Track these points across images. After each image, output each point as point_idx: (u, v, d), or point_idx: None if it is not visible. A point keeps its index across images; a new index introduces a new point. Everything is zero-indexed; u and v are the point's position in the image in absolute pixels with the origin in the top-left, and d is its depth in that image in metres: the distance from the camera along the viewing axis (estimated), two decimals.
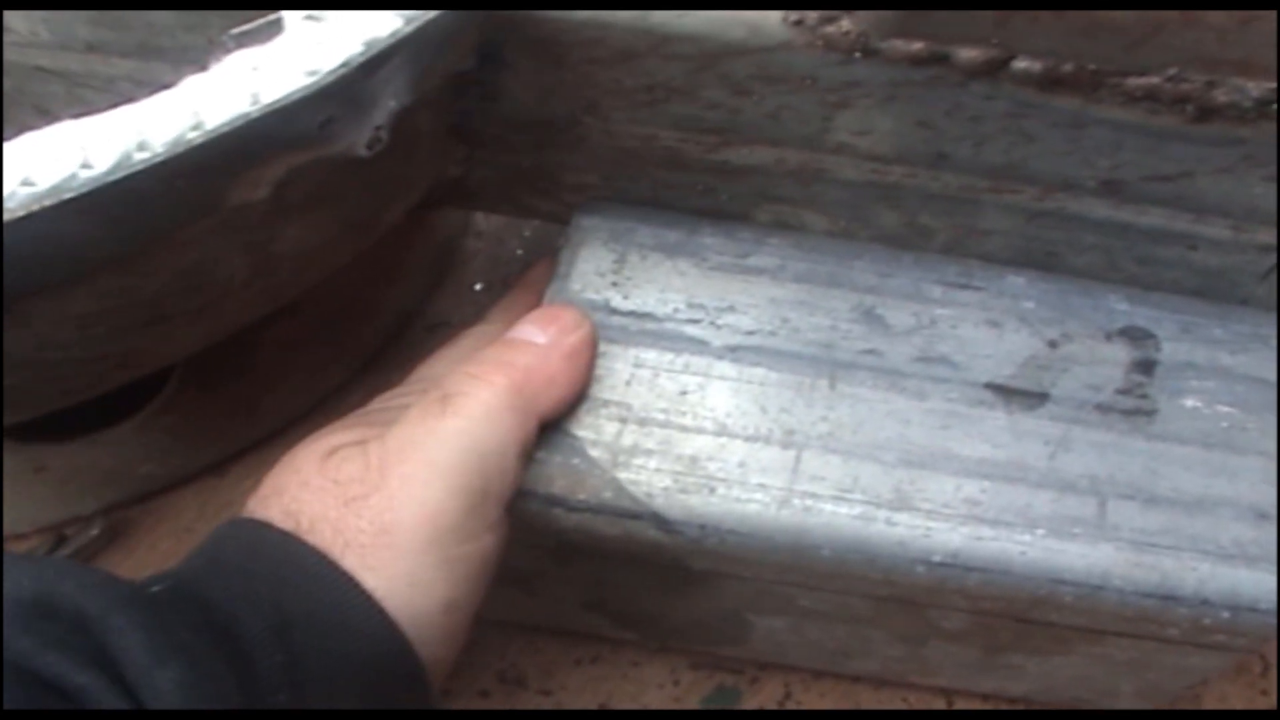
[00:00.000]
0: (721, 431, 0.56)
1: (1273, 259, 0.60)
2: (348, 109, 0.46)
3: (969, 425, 0.57)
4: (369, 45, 0.46)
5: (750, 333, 0.58)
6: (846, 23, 0.51)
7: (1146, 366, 0.59)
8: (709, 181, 0.58)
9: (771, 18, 0.52)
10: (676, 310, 0.59)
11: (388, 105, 0.48)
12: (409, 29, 0.47)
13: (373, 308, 0.81)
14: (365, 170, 0.49)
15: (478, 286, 0.86)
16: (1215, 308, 0.60)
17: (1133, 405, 0.57)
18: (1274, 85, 0.51)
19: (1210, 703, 0.73)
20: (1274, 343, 0.59)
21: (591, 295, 0.59)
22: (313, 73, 0.45)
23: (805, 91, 0.53)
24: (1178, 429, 0.58)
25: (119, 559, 0.74)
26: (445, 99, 0.54)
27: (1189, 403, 0.58)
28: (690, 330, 0.58)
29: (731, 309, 0.59)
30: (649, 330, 0.57)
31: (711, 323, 0.58)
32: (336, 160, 0.46)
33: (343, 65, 0.45)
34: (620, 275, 0.59)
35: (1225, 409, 0.58)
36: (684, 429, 0.56)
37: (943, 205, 0.58)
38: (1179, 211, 0.58)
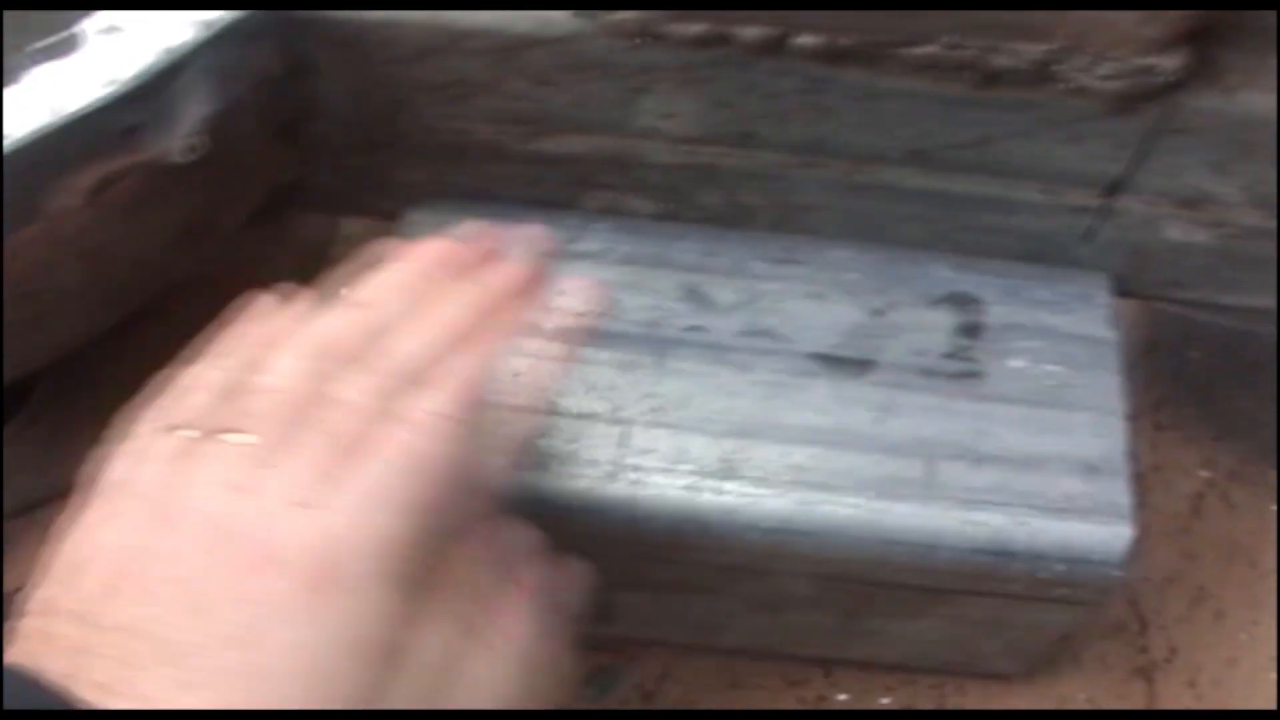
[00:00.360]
0: (552, 411, 0.57)
1: (1089, 219, 0.61)
2: (152, 116, 0.48)
3: (795, 395, 0.58)
4: (167, 53, 0.47)
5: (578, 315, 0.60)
6: (628, 10, 0.53)
7: (972, 330, 0.60)
8: (532, 171, 0.60)
9: (557, 8, 0.53)
10: None
11: (195, 111, 0.50)
12: (205, 35, 0.48)
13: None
14: (189, 176, 0.50)
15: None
16: (1041, 270, 0.62)
17: (959, 369, 0.59)
18: (1051, 47, 0.52)
19: (1091, 663, 0.74)
20: (1099, 301, 0.60)
21: None
22: (111, 82, 0.46)
23: (604, 79, 0.55)
24: (1004, 389, 0.59)
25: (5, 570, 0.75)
26: (264, 104, 0.56)
27: (1015, 363, 0.60)
28: None
29: (559, 293, 0.60)
30: None
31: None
32: (154, 166, 0.48)
33: (141, 74, 0.47)
34: None
35: (1051, 368, 0.60)
36: (515, 409, 0.57)
37: (759, 183, 0.59)
38: (988, 177, 0.59)
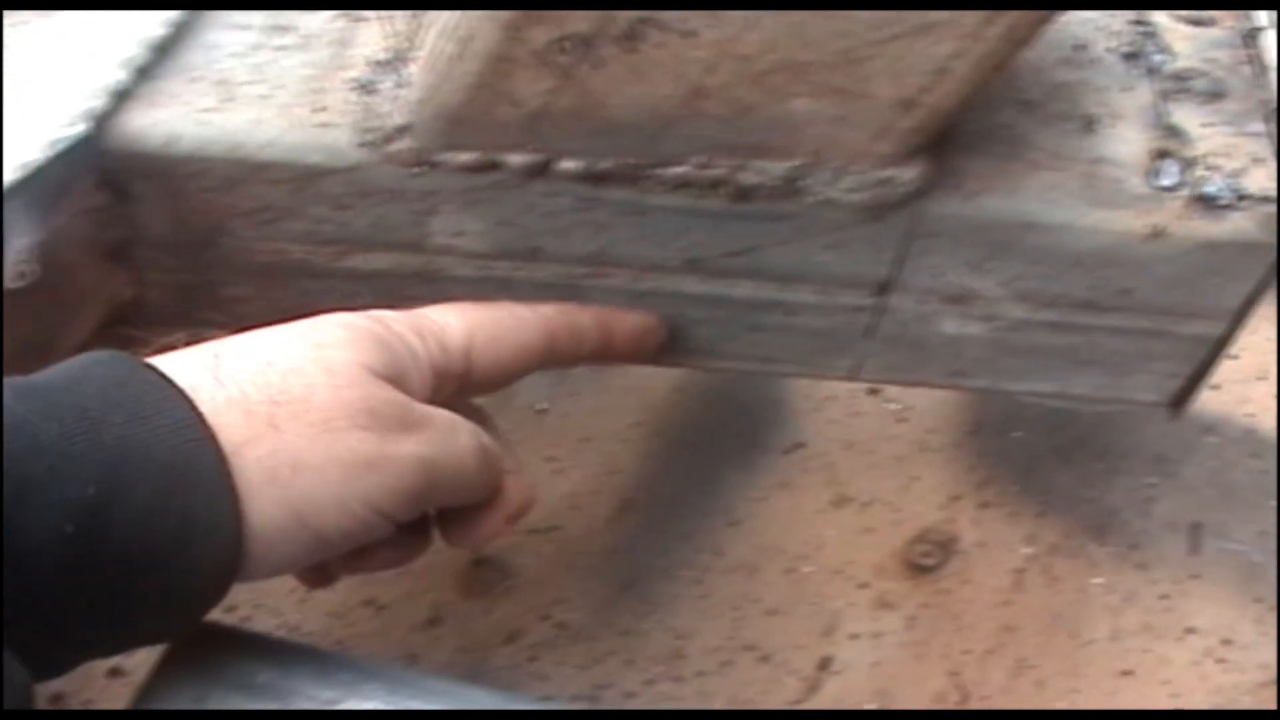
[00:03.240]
0: None
1: (867, 317, 0.66)
2: None
3: None
4: None
5: None
6: (405, 141, 0.58)
7: None
8: (346, 286, 0.65)
9: (343, 140, 0.58)
10: None
11: (21, 241, 0.55)
12: (20, 175, 0.54)
13: None
14: (24, 299, 0.55)
15: None
16: None
17: None
18: (794, 164, 0.57)
19: None
20: None
21: None
22: None
23: (395, 203, 0.60)
24: None
25: None
26: (90, 230, 0.61)
27: None
28: None
29: None
30: None
31: None
32: None
33: None
34: None
35: None
36: None
37: (554, 292, 0.64)
38: (763, 282, 0.64)
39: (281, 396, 0.48)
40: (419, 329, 0.55)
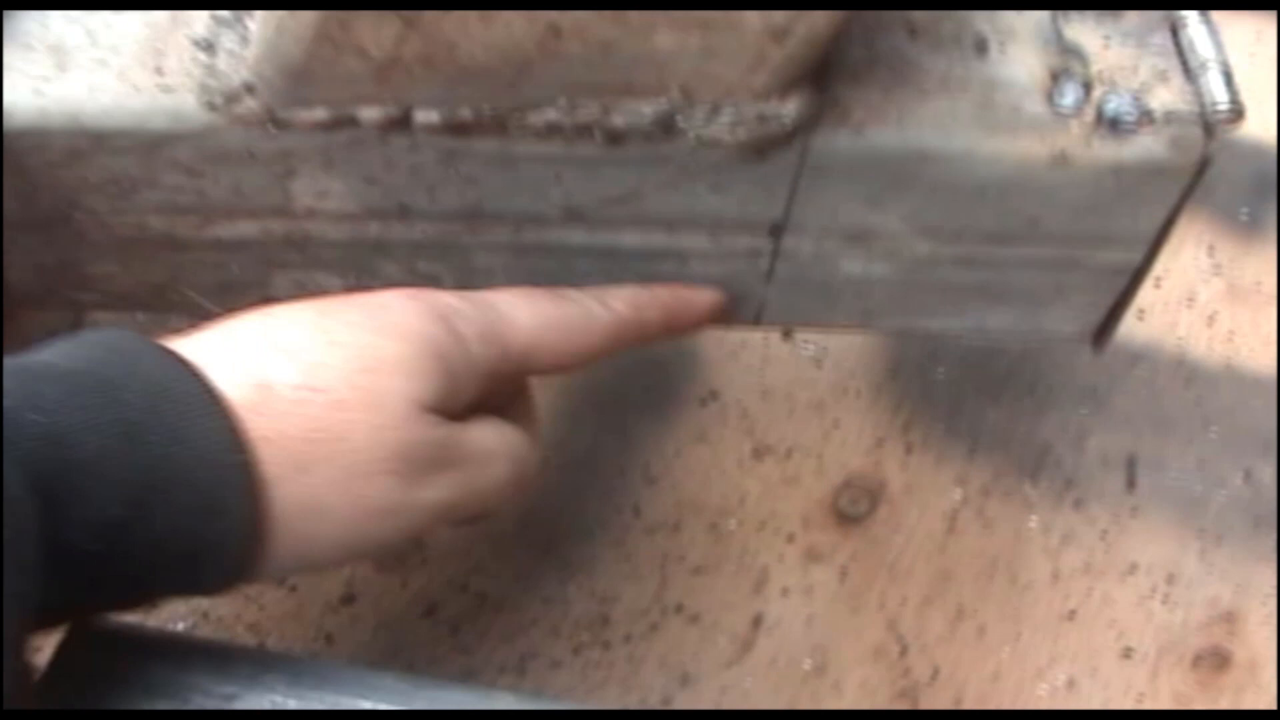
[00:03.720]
0: None
1: (766, 261, 0.63)
2: None
3: None
4: None
5: None
6: (250, 101, 0.55)
7: None
8: (215, 257, 0.62)
9: (189, 102, 0.55)
10: None
11: None
12: None
13: None
14: None
15: None
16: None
17: None
18: (664, 102, 0.54)
19: (853, 690, 0.77)
20: None
21: None
22: None
23: (251, 166, 0.57)
24: None
25: None
26: None
27: None
28: None
29: None
30: None
31: None
32: None
33: None
34: None
35: None
36: None
37: (432, 252, 0.61)
38: (650, 229, 0.61)
39: (318, 435, 0.48)
40: (486, 333, 0.55)
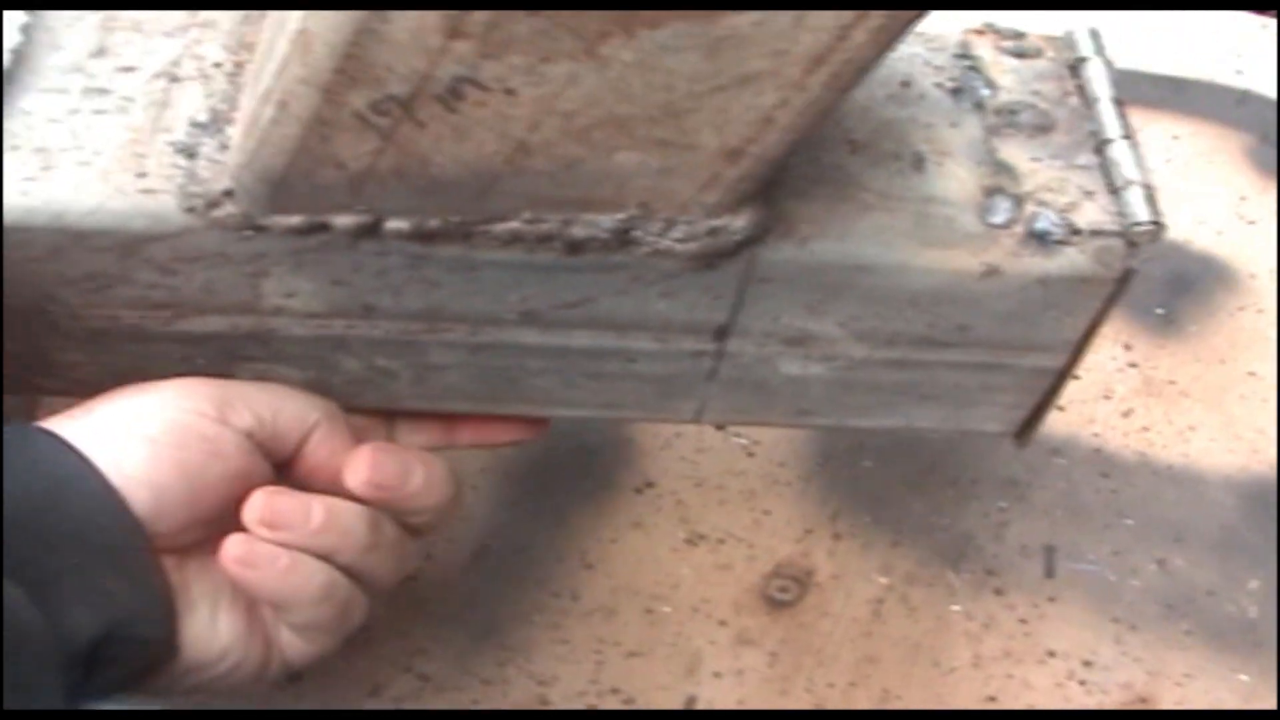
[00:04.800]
0: None
1: (709, 362, 0.66)
2: None
3: None
4: None
5: None
6: (230, 206, 0.57)
7: None
8: (180, 350, 0.64)
9: (170, 206, 0.58)
10: None
11: None
12: None
13: None
14: None
15: None
16: None
17: None
18: (623, 217, 0.57)
19: None
20: None
21: None
22: None
23: (224, 266, 0.59)
24: None
25: None
26: None
27: None
28: None
29: None
30: None
31: None
32: None
33: None
34: None
35: None
36: None
37: (391, 349, 0.64)
38: (601, 331, 0.63)
39: None
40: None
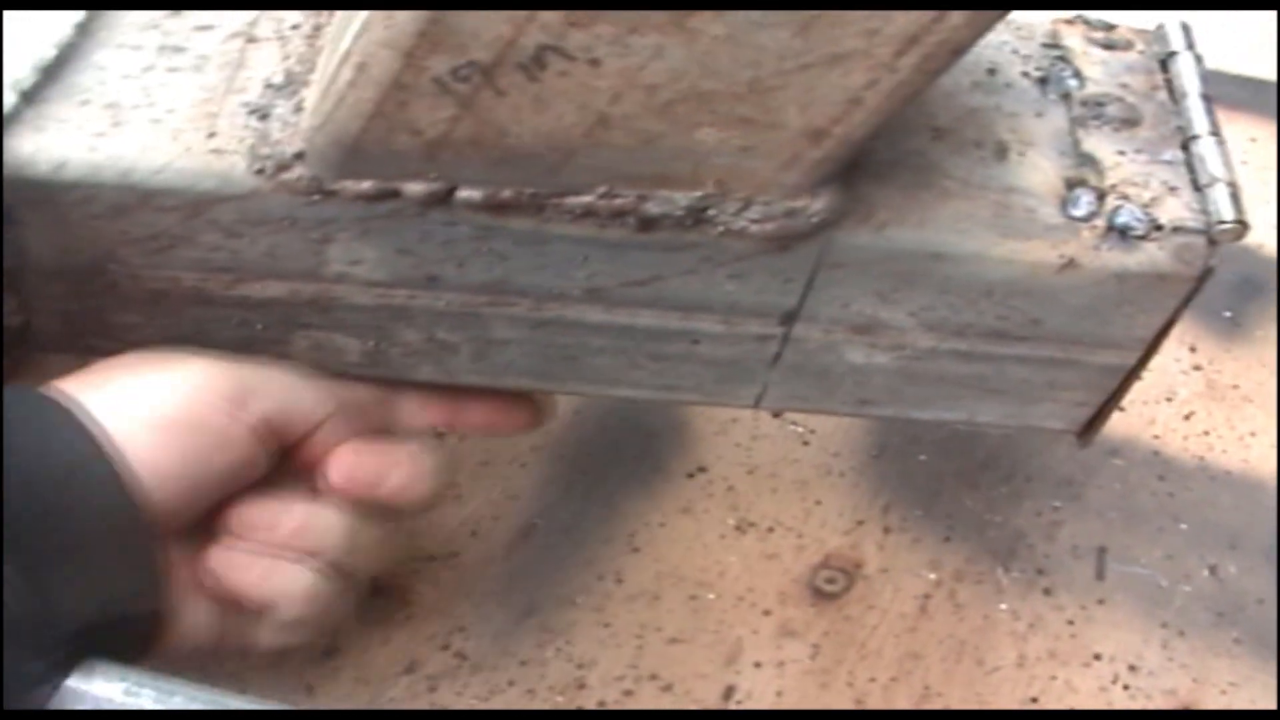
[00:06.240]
0: None
1: (774, 346, 0.64)
2: None
3: None
4: None
5: None
6: (300, 169, 0.56)
7: None
8: (240, 314, 0.63)
9: (239, 167, 0.57)
10: None
11: None
12: None
13: None
14: None
15: None
16: None
17: None
18: (700, 194, 0.56)
19: None
20: None
21: None
22: None
23: (289, 231, 0.58)
24: None
25: None
26: None
27: None
28: None
29: None
30: None
31: None
32: None
33: None
34: None
35: None
36: None
37: (453, 321, 0.63)
38: (666, 311, 0.62)
39: None
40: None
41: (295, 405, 0.60)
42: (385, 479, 0.60)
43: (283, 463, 0.60)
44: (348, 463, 0.60)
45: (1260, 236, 1.07)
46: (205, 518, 0.57)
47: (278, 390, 0.59)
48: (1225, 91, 1.18)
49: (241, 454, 0.57)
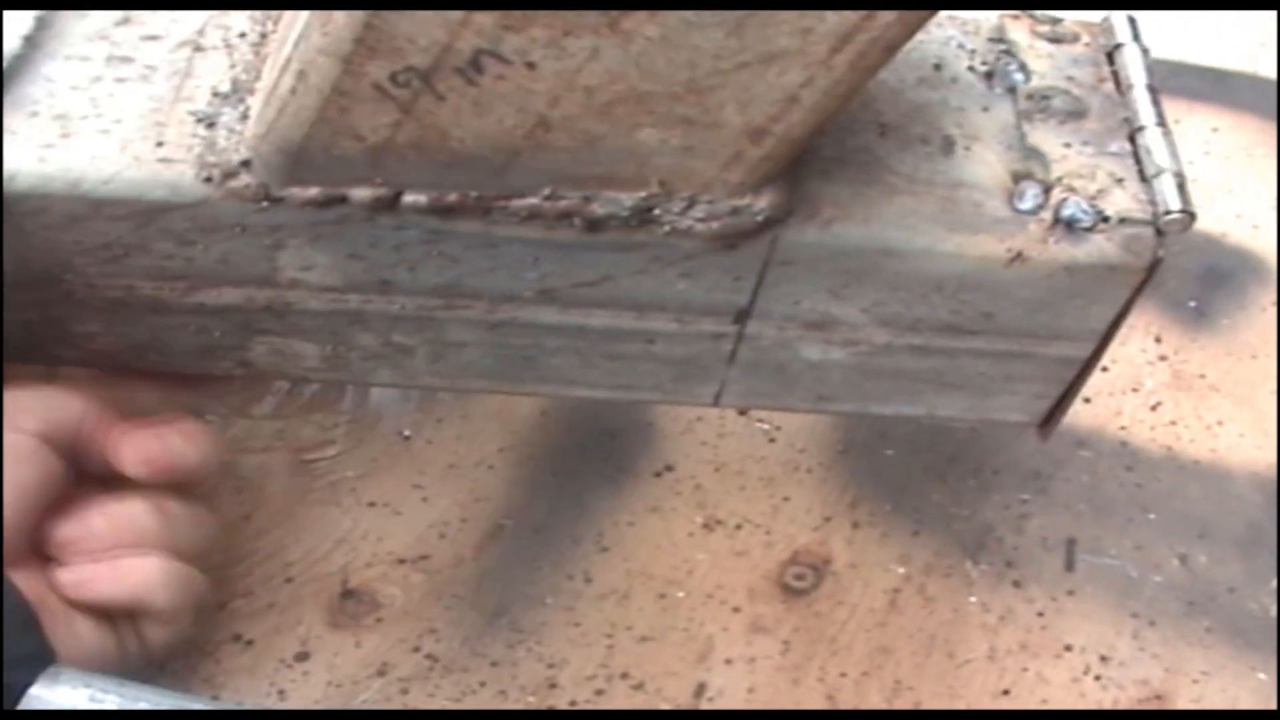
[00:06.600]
0: None
1: (729, 345, 0.65)
2: None
3: None
4: None
5: None
6: (247, 176, 0.57)
7: None
8: (197, 321, 0.63)
9: (187, 176, 0.57)
10: None
11: None
12: None
13: None
14: None
15: None
16: None
17: None
18: (645, 194, 0.56)
19: None
20: None
21: None
22: None
23: (241, 238, 0.58)
24: None
25: None
26: None
27: None
28: None
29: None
30: None
31: None
32: None
33: None
34: None
35: None
36: None
37: (408, 325, 0.63)
38: (620, 311, 0.63)
39: None
40: None
41: (54, 408, 0.60)
42: (168, 453, 0.61)
43: (79, 480, 0.60)
44: (131, 447, 0.60)
45: (1223, 225, 1.07)
46: (32, 546, 0.57)
47: (35, 399, 0.60)
48: (1187, 83, 1.18)
49: (41, 468, 0.58)
